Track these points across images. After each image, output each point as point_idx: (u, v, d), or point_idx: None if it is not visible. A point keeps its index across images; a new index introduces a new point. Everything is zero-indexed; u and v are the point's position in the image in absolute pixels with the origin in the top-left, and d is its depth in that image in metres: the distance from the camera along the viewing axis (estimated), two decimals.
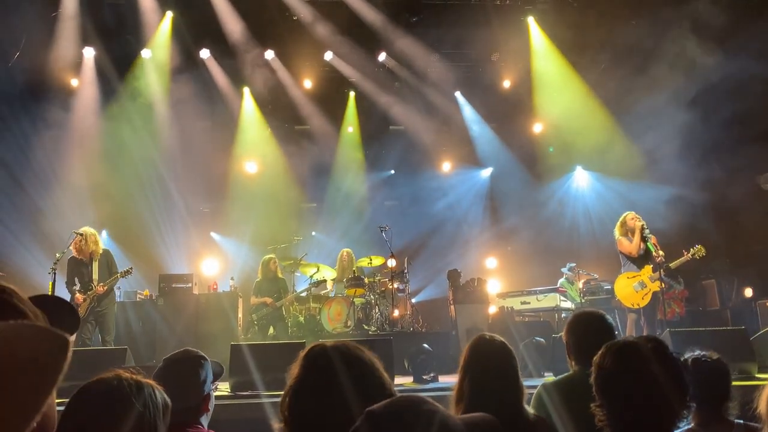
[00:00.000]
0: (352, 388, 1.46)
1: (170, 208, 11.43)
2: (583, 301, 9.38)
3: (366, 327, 8.70)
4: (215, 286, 9.82)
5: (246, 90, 12.16)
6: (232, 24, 10.59)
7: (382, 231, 9.41)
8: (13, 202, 9.81)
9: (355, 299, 8.79)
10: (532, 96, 12.34)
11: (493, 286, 11.03)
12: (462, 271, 9.67)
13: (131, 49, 11.01)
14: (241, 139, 12.29)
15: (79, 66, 10.97)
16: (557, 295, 9.71)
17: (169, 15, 10.73)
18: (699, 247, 7.06)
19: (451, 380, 5.12)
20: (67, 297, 6.95)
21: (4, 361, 0.67)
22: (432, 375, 6.21)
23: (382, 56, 11.87)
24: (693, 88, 9.53)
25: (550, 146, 12.99)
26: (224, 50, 11.16)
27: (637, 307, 7.08)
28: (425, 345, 6.49)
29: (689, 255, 7.08)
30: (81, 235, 7.14)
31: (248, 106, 12.29)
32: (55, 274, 7.07)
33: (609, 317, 2.91)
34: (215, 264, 11.42)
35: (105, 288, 7.11)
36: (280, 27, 10.81)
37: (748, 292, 9.95)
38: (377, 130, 13.05)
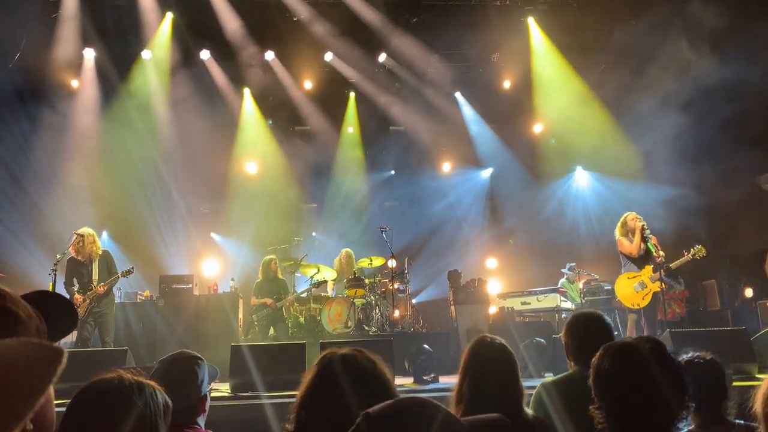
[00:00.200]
0: (360, 399, 1.46)
1: (170, 208, 11.43)
2: (583, 301, 9.38)
3: (366, 328, 8.70)
4: (215, 287, 9.82)
5: (246, 91, 12.17)
6: (232, 25, 10.60)
7: (382, 231, 9.41)
8: (13, 203, 9.81)
9: (355, 300, 8.79)
10: (532, 96, 12.35)
11: (494, 287, 11.03)
12: (462, 272, 9.68)
13: (131, 50, 11.02)
14: (241, 140, 12.29)
15: (79, 67, 10.98)
16: (557, 295, 9.71)
17: (169, 16, 10.74)
18: (699, 247, 7.05)
19: (451, 381, 5.12)
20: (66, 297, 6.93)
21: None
22: (432, 376, 6.20)
23: (382, 57, 11.87)
24: (693, 89, 9.53)
25: (552, 138, 12.96)
26: (224, 51, 11.17)
27: (638, 307, 7.08)
28: (426, 346, 6.49)
29: (690, 255, 7.07)
30: (84, 236, 7.14)
31: (248, 107, 12.30)
32: (55, 275, 7.07)
33: (607, 318, 2.91)
34: (215, 265, 11.43)
35: (105, 288, 7.11)
36: (280, 28, 10.81)
37: (749, 293, 9.95)
38: (377, 130, 13.06)
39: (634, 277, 7.15)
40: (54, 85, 10.63)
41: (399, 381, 6.13)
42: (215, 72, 11.61)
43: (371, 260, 9.71)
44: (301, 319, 8.89)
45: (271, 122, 12.51)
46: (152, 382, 1.67)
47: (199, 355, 2.50)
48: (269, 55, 11.55)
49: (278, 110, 12.39)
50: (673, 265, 7.11)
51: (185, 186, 11.51)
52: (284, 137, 12.41)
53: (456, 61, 12.11)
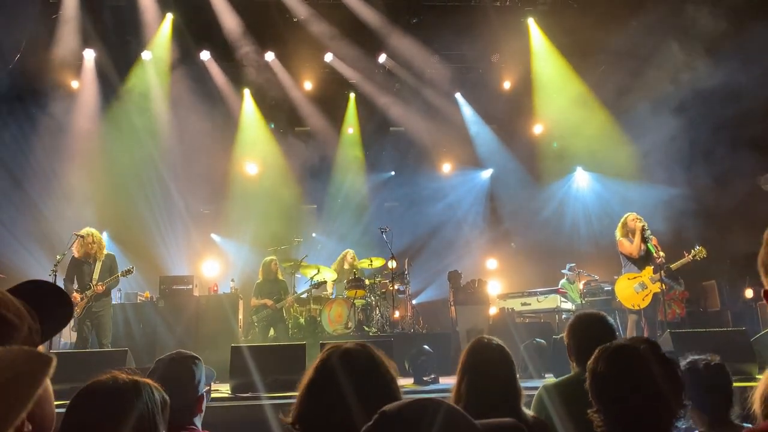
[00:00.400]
0: (358, 394, 1.46)
1: (171, 209, 11.44)
2: (583, 302, 9.37)
3: (366, 328, 8.69)
4: (216, 288, 9.82)
5: (246, 91, 12.17)
6: (232, 25, 10.60)
7: (382, 232, 9.41)
8: (13, 203, 9.81)
9: (355, 301, 8.78)
10: (532, 97, 12.35)
11: (494, 288, 11.02)
12: (462, 273, 9.68)
13: (131, 51, 11.03)
14: (241, 141, 12.30)
15: (79, 67, 10.98)
16: (558, 296, 9.70)
17: (170, 17, 10.75)
18: (700, 248, 7.05)
19: (451, 382, 5.11)
20: None
21: None
22: (432, 376, 6.20)
23: (382, 58, 11.88)
24: (692, 90, 9.53)
25: (554, 142, 12.97)
26: (224, 52, 11.18)
27: (638, 308, 7.08)
28: (426, 346, 6.48)
29: (690, 256, 7.07)
30: (85, 236, 7.13)
31: (248, 108, 12.31)
32: (55, 275, 7.06)
33: (610, 318, 2.91)
34: (216, 265, 11.43)
35: (104, 287, 7.09)
36: (280, 28, 10.82)
37: (749, 293, 9.95)
38: (377, 131, 13.06)
39: (635, 277, 7.15)
40: (54, 85, 10.63)
41: (399, 382, 6.09)
42: (215, 73, 11.62)
43: (371, 261, 9.71)
44: (302, 320, 8.88)
45: (273, 126, 12.52)
46: (149, 381, 1.69)
47: (197, 355, 2.50)
48: (269, 56, 11.56)
49: (278, 111, 12.39)
50: (673, 266, 7.10)
51: (185, 186, 11.51)
52: (284, 138, 12.41)
53: (456, 61, 12.11)
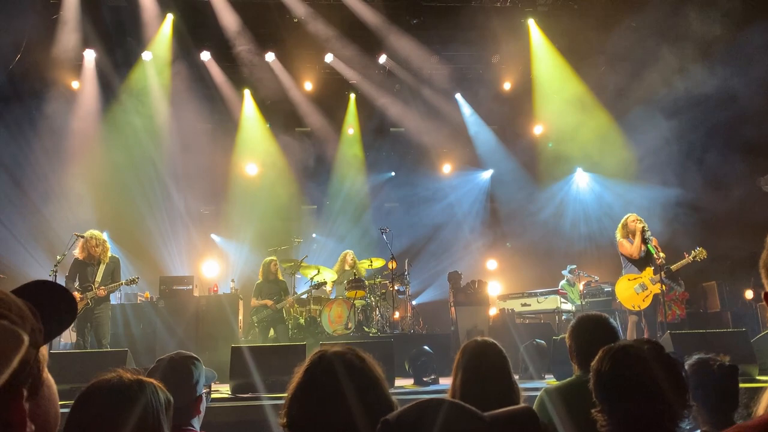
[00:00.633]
0: (351, 397, 1.46)
1: (171, 209, 11.44)
2: (583, 303, 9.37)
3: (366, 329, 8.69)
4: (216, 288, 9.81)
5: (246, 92, 12.18)
6: (233, 26, 10.61)
7: (382, 233, 9.41)
8: (13, 204, 9.81)
9: (355, 301, 8.77)
10: (533, 98, 12.35)
11: (494, 288, 11.02)
12: (462, 273, 9.67)
13: (132, 51, 11.02)
14: (241, 141, 12.30)
15: (79, 68, 10.98)
16: (558, 297, 9.70)
17: (170, 17, 10.75)
18: (700, 249, 7.04)
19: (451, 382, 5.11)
20: None
21: None
22: (432, 377, 6.19)
23: (382, 58, 11.88)
24: (692, 91, 9.54)
25: (550, 142, 12.98)
26: (225, 52, 11.18)
27: (639, 309, 7.07)
28: (426, 347, 6.48)
29: (690, 257, 7.06)
30: (89, 238, 7.12)
31: (249, 108, 12.31)
32: (56, 275, 7.06)
33: (612, 320, 2.90)
34: (216, 266, 11.43)
35: (105, 292, 7.10)
36: (280, 29, 10.82)
37: (749, 295, 9.95)
38: (377, 131, 13.06)
39: (635, 278, 7.15)
40: (54, 85, 10.63)
41: (399, 382, 6.12)
42: (215, 73, 11.62)
43: (371, 262, 9.71)
44: (302, 321, 8.88)
45: (273, 126, 12.52)
46: (153, 380, 1.69)
47: (196, 356, 2.49)
48: (270, 56, 11.56)
49: (278, 111, 12.39)
50: (673, 267, 7.10)
51: (185, 187, 11.52)
52: (284, 138, 12.41)
53: (456, 62, 12.12)
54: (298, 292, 9.27)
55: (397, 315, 9.22)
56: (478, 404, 2.20)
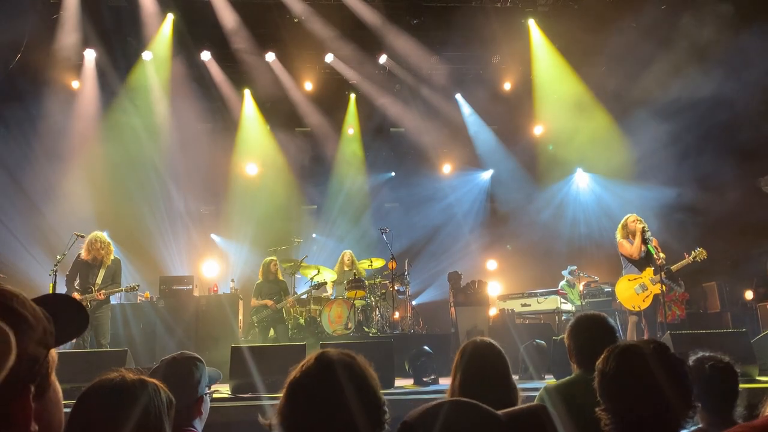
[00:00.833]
0: (343, 398, 1.46)
1: (171, 209, 11.44)
2: (583, 303, 9.38)
3: (366, 329, 8.69)
4: (216, 288, 9.82)
5: (246, 92, 12.18)
6: (233, 26, 10.61)
7: (382, 233, 9.41)
8: (13, 203, 9.81)
9: (355, 301, 8.78)
10: (533, 98, 12.35)
11: (494, 289, 11.02)
12: (462, 273, 9.67)
13: (132, 51, 11.02)
14: (241, 141, 12.30)
15: (79, 68, 10.98)
16: (558, 297, 9.70)
17: (170, 17, 10.75)
18: (700, 250, 7.04)
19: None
20: None
21: None
22: (432, 377, 6.19)
23: (382, 58, 11.88)
24: (693, 91, 9.54)
25: (550, 145, 12.99)
26: (225, 52, 11.18)
27: (639, 309, 7.07)
28: (426, 347, 6.47)
29: (690, 258, 7.06)
30: (92, 240, 7.12)
31: (249, 108, 12.31)
32: (55, 275, 7.06)
33: (611, 320, 2.91)
34: (216, 266, 11.43)
35: (104, 296, 7.10)
36: (280, 29, 10.82)
37: (749, 295, 9.95)
38: (377, 131, 13.07)
39: (635, 279, 7.15)
40: (54, 85, 10.63)
41: (399, 383, 6.12)
42: (216, 73, 11.62)
43: (371, 262, 9.72)
44: (302, 321, 8.88)
45: (273, 126, 12.52)
46: (155, 380, 1.69)
47: (199, 357, 2.49)
48: (270, 56, 11.56)
49: (278, 111, 12.39)
50: (673, 267, 7.10)
51: (186, 187, 11.52)
52: (284, 138, 12.42)
53: (456, 62, 12.12)
54: (298, 292, 9.27)
55: (397, 315, 9.22)
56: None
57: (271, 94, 11.97)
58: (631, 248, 7.17)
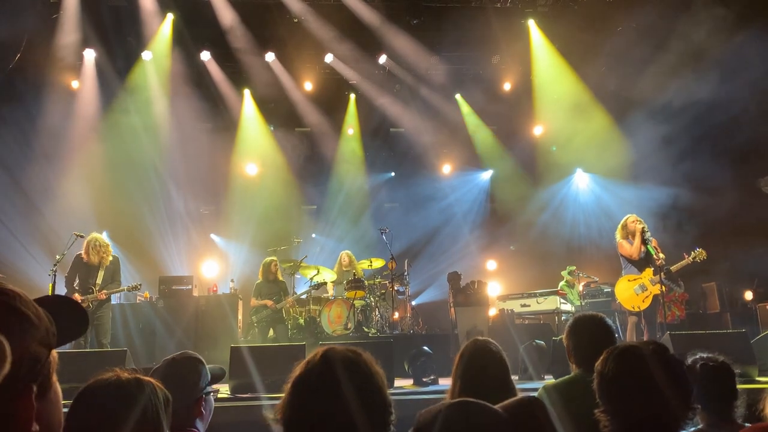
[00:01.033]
0: (348, 395, 1.45)
1: (170, 209, 11.43)
2: (583, 303, 9.37)
3: (366, 329, 8.68)
4: (215, 288, 9.81)
5: (246, 92, 12.18)
6: (233, 26, 10.60)
7: (382, 233, 9.41)
8: (13, 203, 9.80)
9: (355, 301, 8.77)
10: (533, 98, 12.36)
11: (494, 289, 11.01)
12: (462, 274, 9.66)
13: (132, 51, 11.02)
14: (241, 141, 12.30)
15: (79, 67, 10.98)
16: (557, 297, 9.69)
17: (170, 17, 10.75)
18: (700, 250, 7.04)
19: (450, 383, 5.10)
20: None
21: None
22: (432, 377, 6.19)
23: (382, 59, 11.88)
24: (693, 91, 9.54)
25: (553, 146, 13.00)
26: (225, 52, 11.17)
27: (638, 309, 7.07)
28: (425, 347, 6.47)
29: (690, 258, 7.06)
30: (91, 242, 7.12)
31: (249, 108, 12.31)
32: (55, 275, 7.06)
33: (609, 320, 2.91)
34: (215, 266, 11.43)
35: (105, 296, 7.10)
36: (280, 29, 10.82)
37: (748, 296, 9.95)
38: (377, 132, 13.07)
39: (635, 279, 7.15)
40: (54, 85, 10.62)
41: (399, 383, 6.12)
42: (216, 73, 11.62)
43: (371, 262, 9.71)
44: (301, 321, 8.88)
45: (273, 128, 12.53)
46: (151, 379, 1.69)
47: (199, 357, 2.48)
48: (270, 56, 11.56)
49: (278, 111, 12.39)
50: (673, 267, 7.09)
51: (185, 187, 11.51)
52: (284, 138, 12.41)
53: (456, 62, 12.12)
54: (298, 293, 9.27)
55: (396, 315, 9.22)
56: None
57: (271, 94, 11.97)
58: (631, 249, 7.16)
